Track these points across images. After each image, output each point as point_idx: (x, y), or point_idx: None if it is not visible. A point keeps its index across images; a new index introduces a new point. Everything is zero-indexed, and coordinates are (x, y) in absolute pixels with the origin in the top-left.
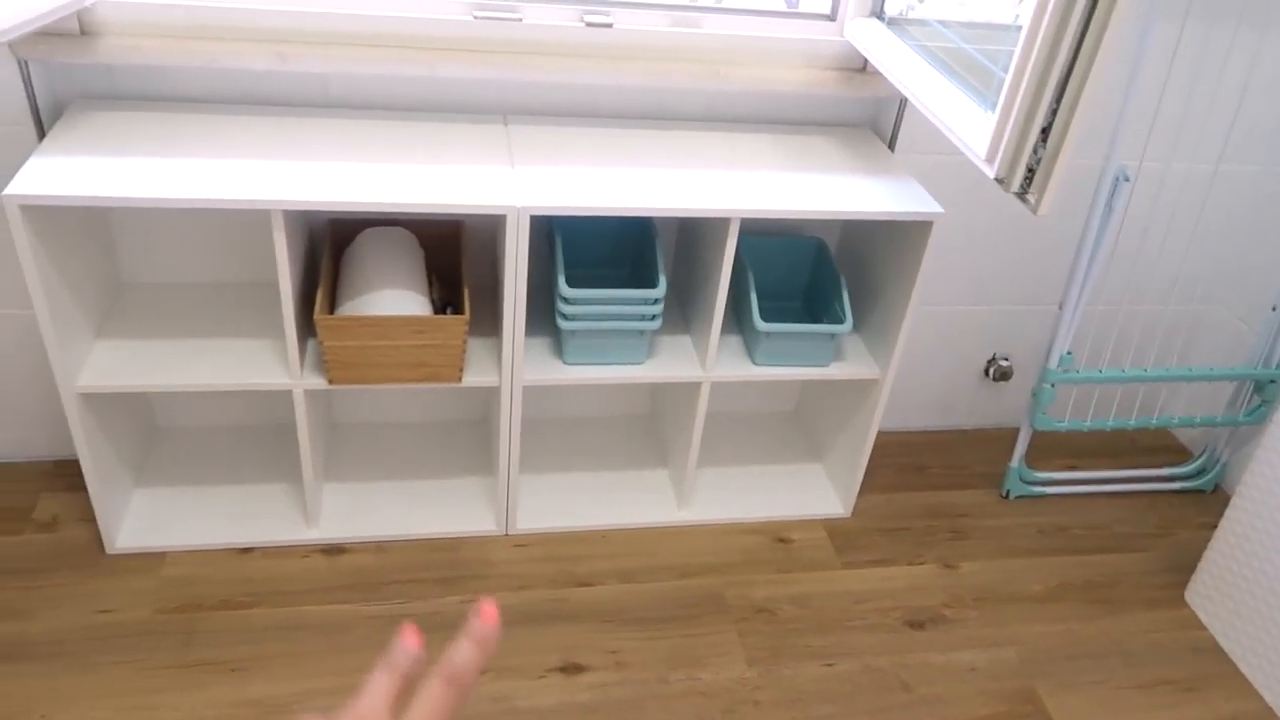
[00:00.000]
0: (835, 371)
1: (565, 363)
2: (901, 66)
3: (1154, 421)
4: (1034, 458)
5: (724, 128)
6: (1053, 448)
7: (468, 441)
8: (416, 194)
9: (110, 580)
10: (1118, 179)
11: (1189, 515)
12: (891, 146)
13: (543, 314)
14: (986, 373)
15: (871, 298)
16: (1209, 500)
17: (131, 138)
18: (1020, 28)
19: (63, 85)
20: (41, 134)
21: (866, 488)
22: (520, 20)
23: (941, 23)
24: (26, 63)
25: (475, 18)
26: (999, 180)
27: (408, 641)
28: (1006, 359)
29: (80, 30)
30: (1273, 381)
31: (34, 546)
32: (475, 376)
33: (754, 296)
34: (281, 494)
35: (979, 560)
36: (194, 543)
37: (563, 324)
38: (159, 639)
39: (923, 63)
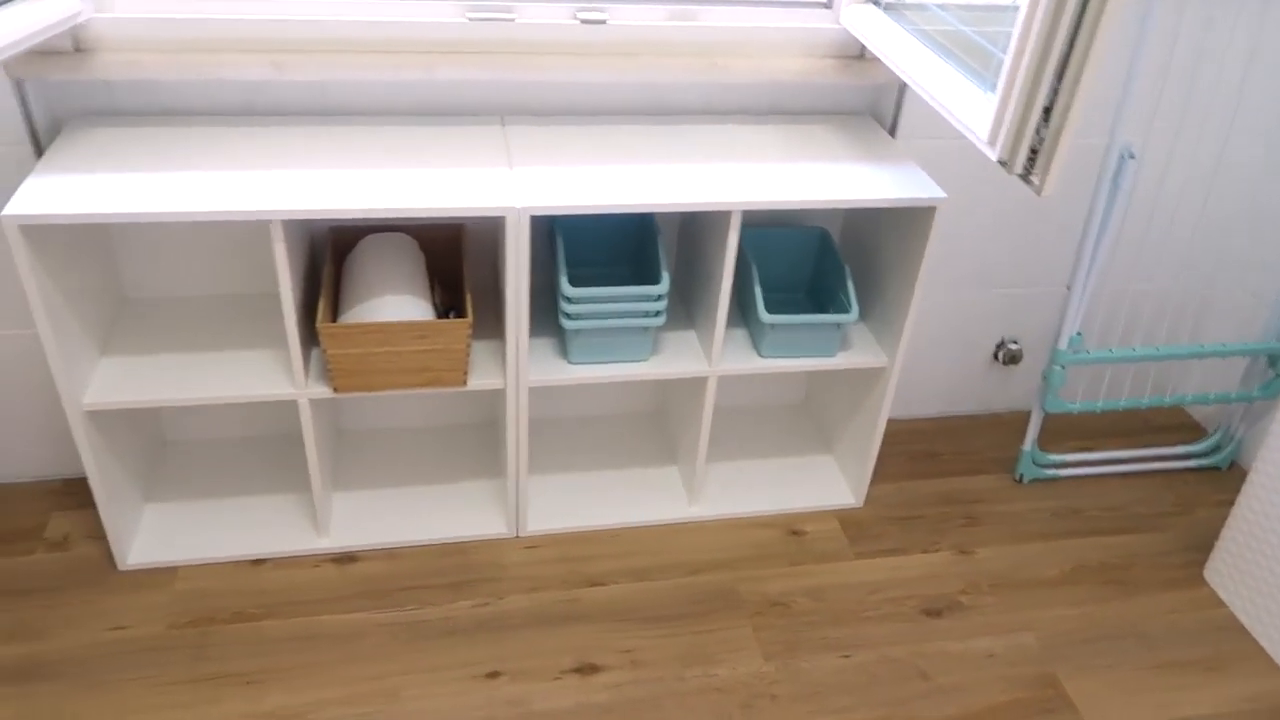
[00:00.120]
0: (842, 361)
1: (570, 362)
2: (899, 51)
3: (1167, 400)
4: (1046, 440)
5: (722, 120)
6: (1065, 430)
7: (475, 444)
8: (415, 199)
9: (123, 597)
10: (1123, 157)
11: (1205, 493)
12: (892, 133)
13: (546, 314)
14: (996, 357)
15: (877, 286)
16: (1225, 477)
17: (129, 153)
18: (1018, 7)
19: (59, 103)
20: (39, 153)
21: (878, 477)
22: (514, 20)
23: (939, 5)
24: (22, 82)
25: (469, 19)
26: (1002, 162)
27: None
28: (1015, 342)
29: (75, 48)
30: None
31: (46, 566)
32: (480, 379)
33: (758, 289)
34: (291, 504)
35: (994, 546)
36: (205, 556)
37: (566, 324)
38: (173, 654)
39: (920, 46)
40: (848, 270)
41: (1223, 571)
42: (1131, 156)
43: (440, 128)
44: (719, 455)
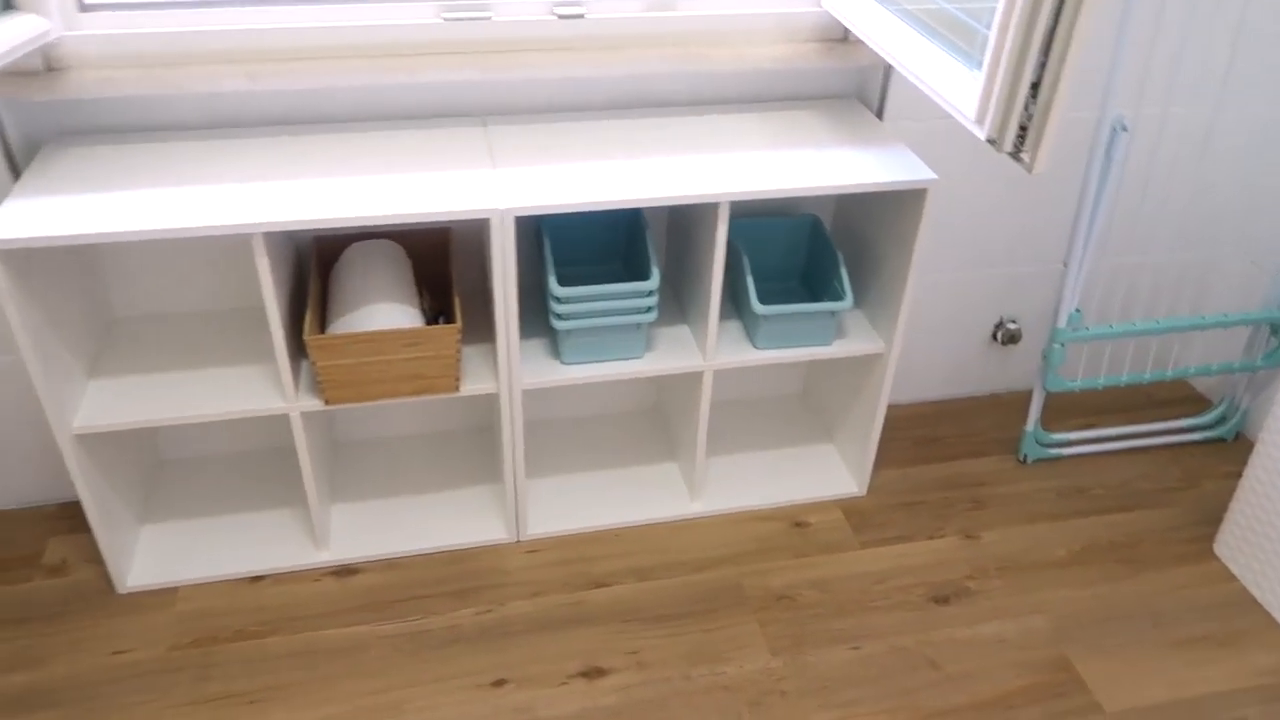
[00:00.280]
0: (838, 350)
1: (563, 363)
2: (882, 32)
3: (1169, 374)
4: (1049, 419)
5: (708, 110)
6: (1067, 408)
7: (473, 450)
8: (396, 205)
9: (123, 620)
10: (1115, 129)
11: (1212, 465)
12: (880, 115)
13: (538, 315)
14: (994, 337)
15: (871, 271)
16: (1231, 449)
17: (107, 171)
18: None
19: (34, 124)
20: (16, 175)
21: (880, 464)
22: (490, 18)
23: None
24: None
25: (444, 20)
26: (991, 141)
27: None
28: (1014, 322)
29: (46, 67)
30: None
31: (45, 593)
32: (473, 385)
33: (750, 280)
34: (289, 519)
35: (1000, 529)
36: (204, 575)
37: (557, 324)
38: (176, 676)
39: (904, 26)
40: (840, 257)
41: (1232, 544)
42: (1124, 129)
43: (421, 131)
44: (718, 449)
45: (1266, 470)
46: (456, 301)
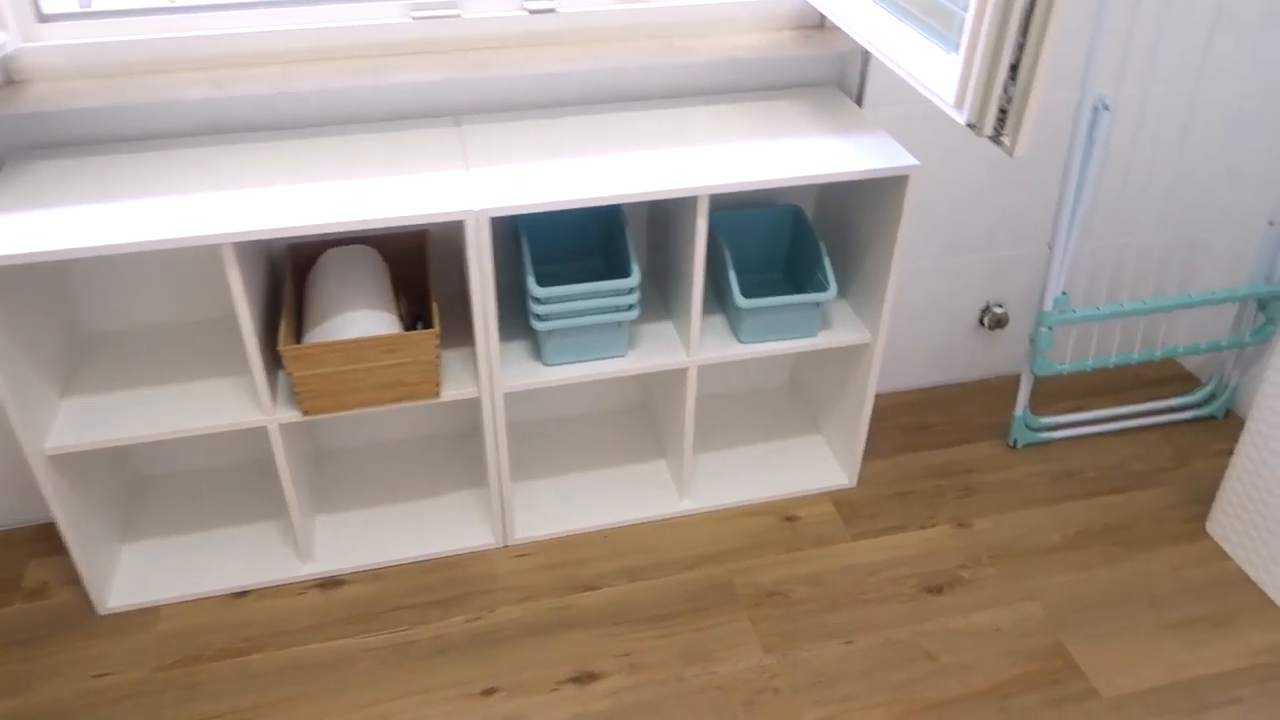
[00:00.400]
0: (824, 341)
1: (545, 364)
2: (858, 17)
3: (1158, 354)
4: (1038, 403)
5: (684, 102)
6: (1056, 391)
7: (458, 454)
8: (368, 209)
9: (106, 642)
10: (1096, 109)
11: (1203, 443)
12: (859, 102)
13: (518, 315)
14: (981, 322)
15: (854, 260)
16: (1222, 426)
17: (71, 186)
18: None
19: None
20: None
21: (870, 454)
22: (459, 16)
23: None
24: None
25: (414, 19)
26: (971, 125)
27: None
28: (1000, 306)
29: (6, 80)
30: (1276, 299)
31: (25, 616)
32: (453, 390)
33: (732, 273)
34: (272, 532)
35: (992, 516)
36: (187, 593)
37: (537, 325)
38: (161, 697)
39: (880, 10)
40: (823, 247)
41: (1225, 523)
42: (1105, 108)
43: (393, 133)
44: (706, 445)
45: (1257, 448)
46: (434, 306)
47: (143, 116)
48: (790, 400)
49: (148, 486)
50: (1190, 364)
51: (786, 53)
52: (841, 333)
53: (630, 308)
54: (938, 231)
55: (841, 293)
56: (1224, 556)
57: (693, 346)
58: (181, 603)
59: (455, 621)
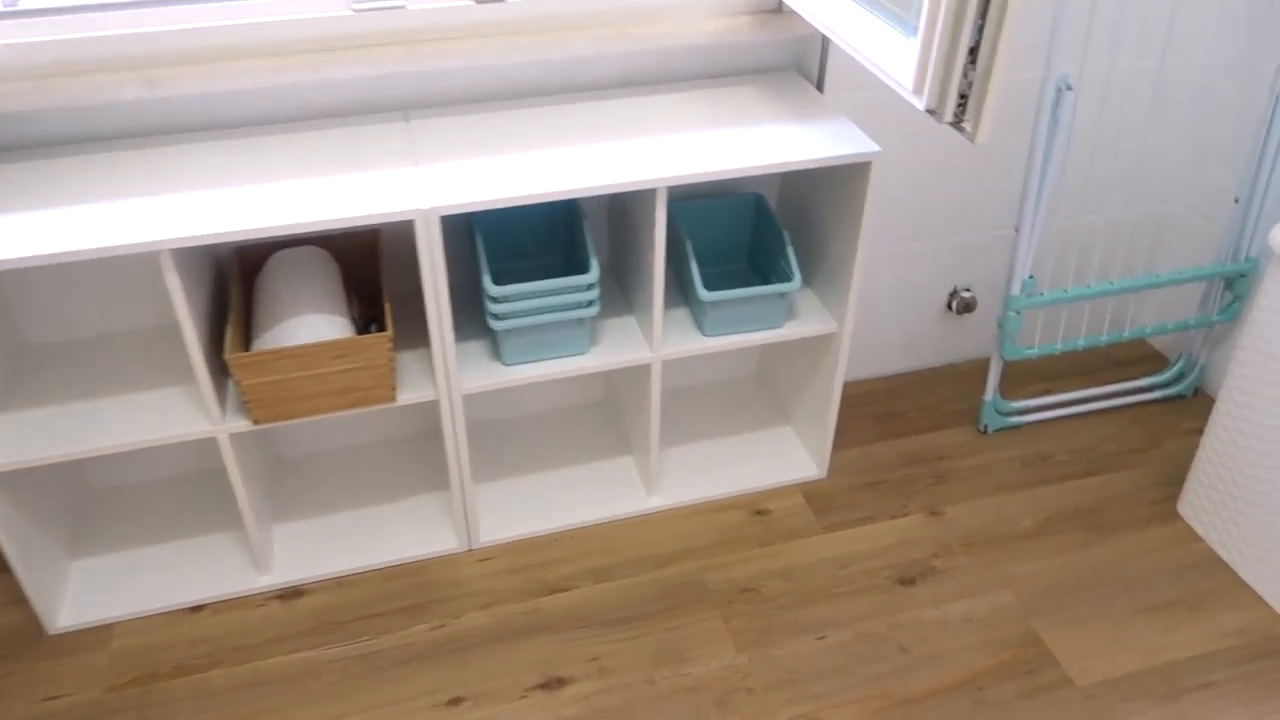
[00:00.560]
0: (790, 332)
1: (505, 364)
2: (815, 1)
3: (1126, 335)
4: (1008, 387)
5: (641, 91)
6: (1026, 374)
7: (420, 456)
8: (311, 210)
9: (56, 663)
10: (1060, 89)
11: (1174, 423)
12: (820, 87)
13: (477, 314)
14: (949, 307)
15: (819, 248)
16: (1191, 405)
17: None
18: None
19: None
20: None
21: (840, 443)
22: (404, 7)
23: None
24: None
25: (355, 11)
26: (930, 111)
27: None
28: (968, 290)
29: None
30: (1243, 276)
31: None
32: (410, 393)
33: (694, 265)
34: (229, 542)
35: (964, 503)
36: (141, 609)
37: (494, 324)
38: (115, 719)
39: None
40: (787, 236)
41: (1196, 504)
42: (1069, 88)
43: (339, 130)
44: (673, 439)
45: (1226, 429)
46: (387, 307)
47: (72, 119)
48: (758, 390)
49: (98, 499)
50: (1159, 343)
51: (744, 38)
52: (808, 323)
53: (590, 304)
54: (903, 217)
55: (807, 281)
56: (1195, 538)
57: (656, 342)
58: (135, 619)
59: (420, 629)
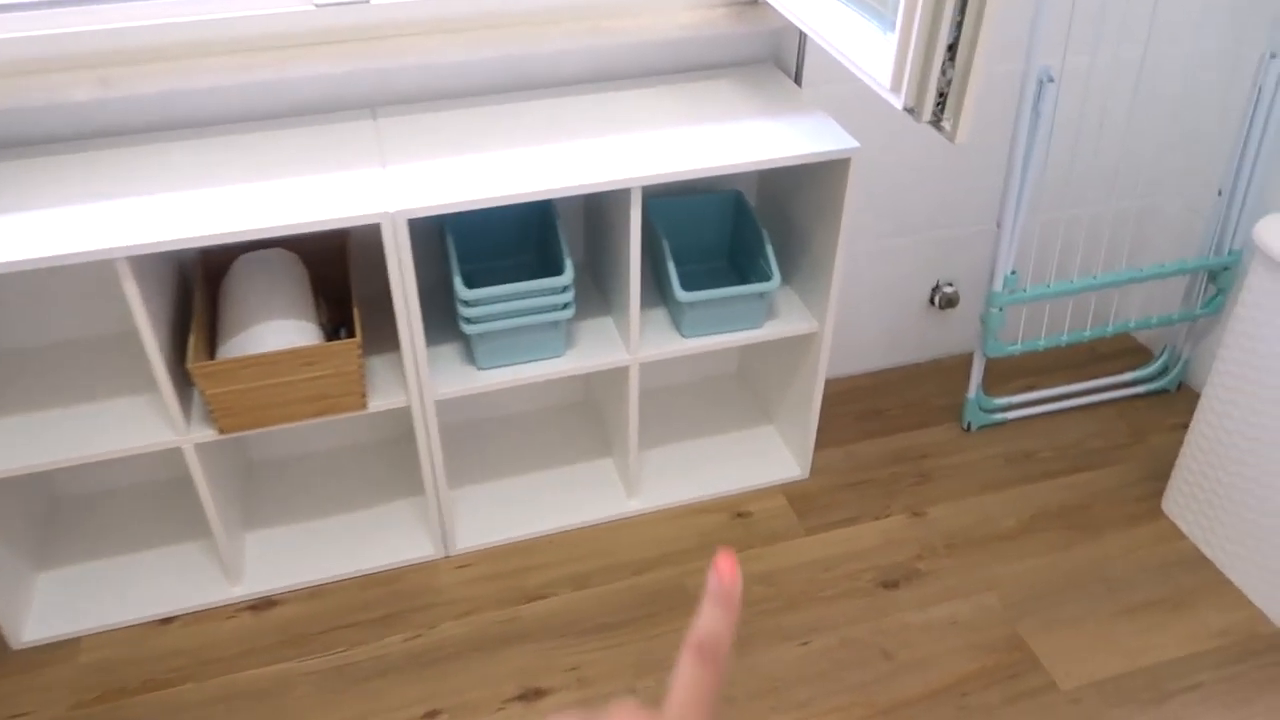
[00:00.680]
0: (770, 331)
1: (478, 368)
2: None
3: (1110, 330)
4: (992, 382)
5: (615, 86)
6: (1010, 369)
7: (396, 459)
8: (273, 214)
9: (21, 678)
10: (1041, 81)
11: (1157, 418)
12: (798, 80)
13: (450, 316)
14: (932, 302)
15: (799, 245)
16: (1175, 399)
17: None
18: None
19: None
20: None
21: (822, 442)
22: (368, 2)
23: None
24: None
25: (318, 7)
26: (909, 110)
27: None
28: (951, 285)
29: None
30: (1226, 269)
31: None
32: (381, 399)
33: (671, 265)
34: (200, 552)
35: (947, 503)
36: (110, 622)
37: (467, 328)
38: None
39: None
40: (765, 234)
41: (1180, 501)
42: (1051, 80)
43: (303, 129)
44: (654, 440)
45: (1210, 426)
46: (356, 312)
47: (23, 120)
48: (740, 389)
49: (64, 508)
50: (1143, 336)
51: (720, 31)
52: (788, 322)
53: (565, 306)
54: (885, 211)
55: (787, 279)
56: (1180, 535)
57: (633, 343)
58: (103, 632)
59: (395, 640)
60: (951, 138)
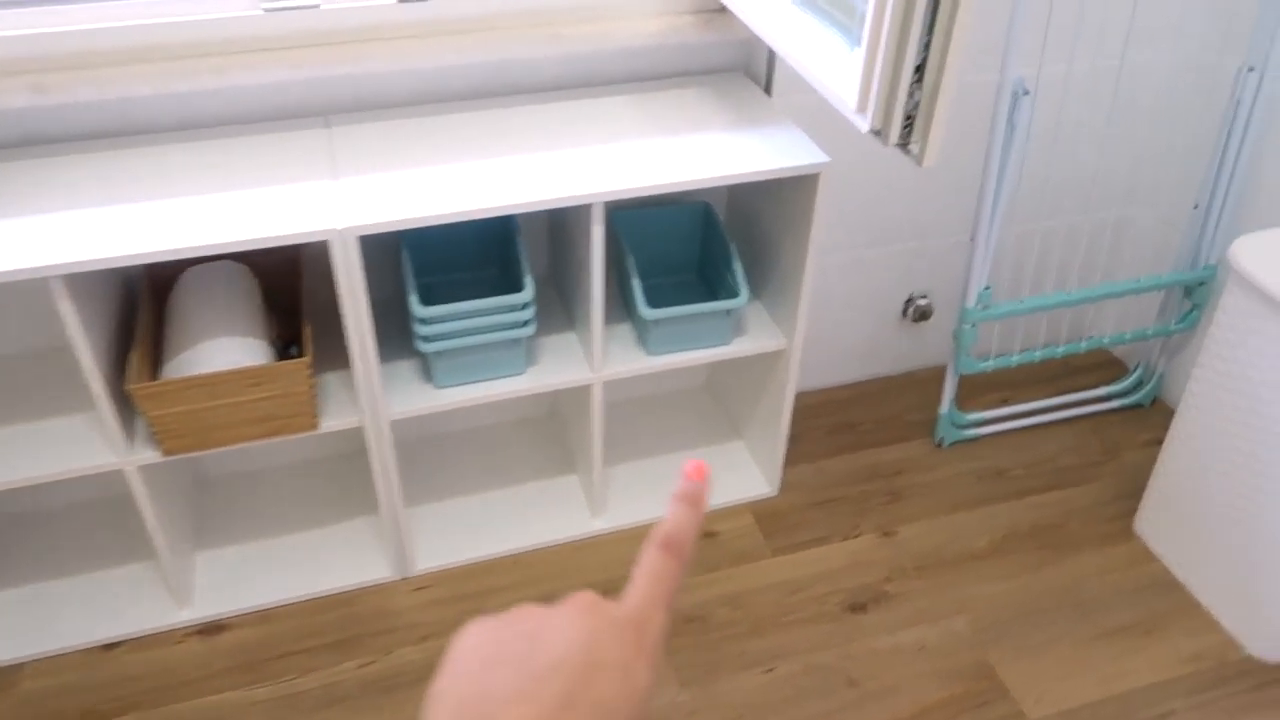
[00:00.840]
0: (737, 349)
1: (436, 386)
2: (756, 5)
3: (1084, 346)
4: (965, 397)
5: (578, 95)
6: (984, 382)
7: (353, 476)
8: (216, 230)
9: None
10: (1016, 94)
11: (1131, 434)
12: (768, 90)
13: (407, 332)
14: (905, 314)
15: (769, 260)
16: (1150, 414)
17: None
18: None
19: None
20: None
21: (793, 458)
22: (318, 7)
23: None
24: None
25: (265, 11)
26: (875, 133)
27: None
28: (925, 297)
29: None
30: (1201, 284)
31: None
32: (334, 419)
33: (636, 281)
34: (146, 573)
35: (918, 522)
36: (51, 648)
37: (423, 346)
38: None
39: None
40: (734, 249)
41: (1152, 521)
42: (1025, 93)
43: (252, 138)
44: (620, 456)
45: (1185, 447)
46: (306, 330)
47: None
48: (709, 403)
49: (3, 528)
50: (1117, 349)
51: (687, 39)
52: (756, 339)
53: (526, 324)
54: (857, 223)
55: (756, 294)
56: (1152, 557)
57: (596, 361)
58: (45, 659)
59: (348, 667)
60: (919, 161)
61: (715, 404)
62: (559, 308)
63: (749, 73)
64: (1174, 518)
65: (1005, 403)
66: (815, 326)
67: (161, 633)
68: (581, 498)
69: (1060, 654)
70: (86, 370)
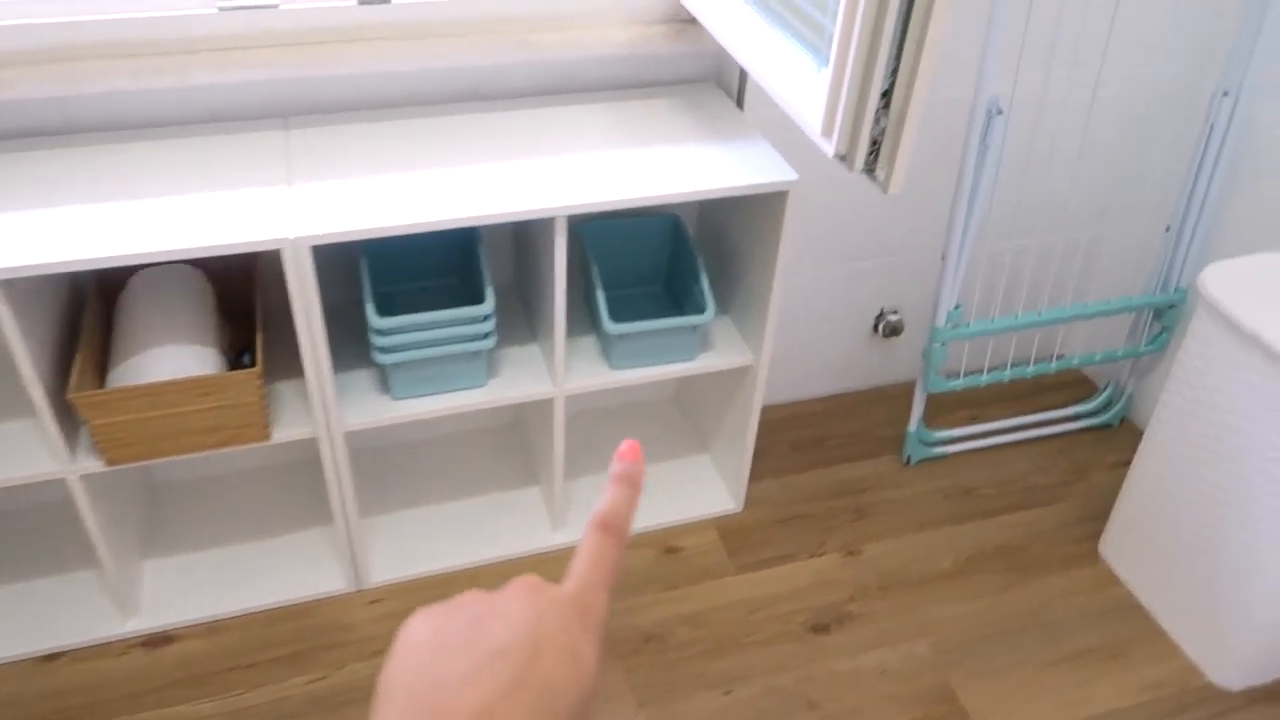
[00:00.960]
0: (703, 365)
1: (393, 398)
2: (726, 19)
3: (1053, 366)
4: (934, 414)
5: (545, 103)
6: (953, 399)
7: (308, 483)
8: (162, 236)
9: None
10: (990, 113)
11: (1100, 455)
12: (739, 102)
13: (364, 341)
14: (876, 329)
15: (737, 273)
16: (1118, 434)
17: None
18: None
19: None
20: None
21: (759, 473)
22: (277, 7)
23: None
24: None
25: (221, 10)
26: (840, 158)
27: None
28: (895, 313)
29: None
30: (1172, 307)
31: None
32: (286, 430)
33: (600, 294)
34: (90, 581)
35: (883, 540)
36: None
37: (380, 358)
38: None
39: (751, 12)
40: (701, 263)
41: (1118, 545)
42: (999, 112)
43: (206, 139)
44: (584, 468)
45: (1151, 472)
46: (260, 339)
47: None
48: (676, 414)
49: None
50: (1087, 369)
51: (658, 49)
52: (722, 355)
53: (486, 336)
54: (828, 238)
55: (724, 309)
56: (1116, 581)
57: (559, 375)
58: None
59: (298, 682)
60: (884, 188)
61: (683, 416)
62: (522, 319)
63: (721, 84)
64: (1139, 542)
65: (974, 420)
66: (786, 340)
67: (105, 644)
68: (543, 510)
69: (1022, 678)
70: (26, 378)
